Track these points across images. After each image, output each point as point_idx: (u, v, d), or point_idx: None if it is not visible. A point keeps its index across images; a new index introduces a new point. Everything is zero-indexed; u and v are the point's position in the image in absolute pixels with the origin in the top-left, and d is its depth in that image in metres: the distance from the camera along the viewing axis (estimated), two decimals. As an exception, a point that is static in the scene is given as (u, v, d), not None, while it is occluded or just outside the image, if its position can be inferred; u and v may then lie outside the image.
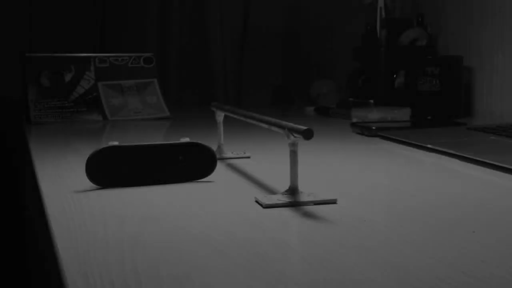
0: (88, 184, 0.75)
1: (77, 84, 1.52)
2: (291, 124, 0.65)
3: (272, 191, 0.71)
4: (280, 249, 0.51)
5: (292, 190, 0.66)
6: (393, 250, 0.50)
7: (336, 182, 0.79)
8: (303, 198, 0.66)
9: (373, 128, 1.16)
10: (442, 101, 1.44)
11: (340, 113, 1.48)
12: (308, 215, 0.61)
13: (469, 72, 1.52)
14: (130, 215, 0.62)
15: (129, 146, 0.75)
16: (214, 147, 0.94)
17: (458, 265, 0.46)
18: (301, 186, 0.66)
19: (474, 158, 0.88)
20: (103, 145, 0.74)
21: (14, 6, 1.92)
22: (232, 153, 0.94)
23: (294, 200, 0.65)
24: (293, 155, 0.66)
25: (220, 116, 0.91)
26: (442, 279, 0.43)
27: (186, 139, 0.78)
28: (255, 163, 0.90)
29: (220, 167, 0.88)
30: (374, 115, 1.36)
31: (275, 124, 0.69)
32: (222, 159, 0.92)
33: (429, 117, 1.42)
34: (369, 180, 0.80)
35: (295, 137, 0.64)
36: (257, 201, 0.66)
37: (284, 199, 0.65)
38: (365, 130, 1.17)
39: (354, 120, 1.36)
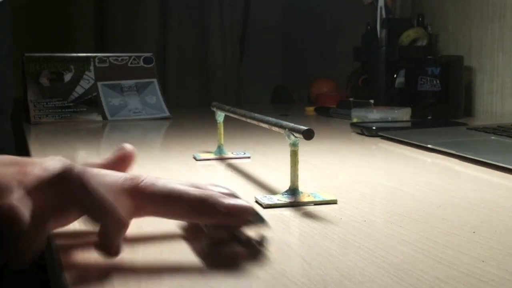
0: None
1: (76, 84, 1.52)
2: (291, 124, 0.65)
3: (272, 191, 0.71)
4: (280, 250, 0.51)
5: (292, 190, 0.66)
6: (394, 251, 0.50)
7: (336, 183, 0.79)
8: (303, 198, 0.65)
9: (373, 128, 1.16)
10: (443, 101, 1.44)
11: (340, 113, 1.48)
12: (308, 215, 0.61)
13: (469, 72, 1.52)
14: (129, 215, 0.62)
15: None
16: (214, 147, 0.94)
17: (458, 265, 0.46)
18: (301, 186, 0.66)
19: (474, 158, 0.87)
20: None
21: (13, 6, 1.92)
22: (232, 153, 0.94)
23: (294, 200, 0.65)
24: (294, 155, 0.65)
25: (220, 116, 0.91)
26: (442, 279, 0.43)
27: None
28: (255, 163, 0.90)
29: (220, 167, 0.88)
30: (374, 115, 1.36)
31: (275, 125, 0.69)
32: (222, 159, 0.92)
33: (429, 117, 1.42)
34: (369, 180, 0.80)
35: (295, 137, 0.64)
36: (257, 201, 0.66)
37: (284, 199, 0.65)
38: (365, 130, 1.17)
39: (354, 120, 1.36)
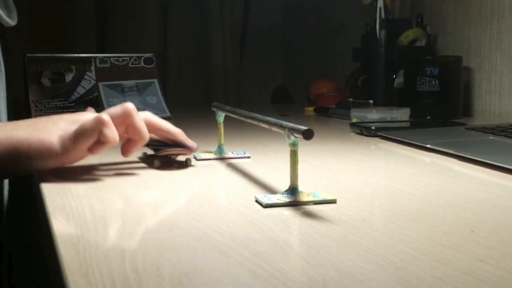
0: (88, 184, 0.75)
1: (78, 84, 1.52)
2: (291, 124, 0.66)
3: (272, 191, 0.71)
4: (280, 249, 0.51)
5: (292, 190, 0.66)
6: (393, 250, 0.50)
7: (336, 182, 0.79)
8: (303, 198, 0.66)
9: (373, 128, 1.16)
10: (442, 101, 1.45)
11: (339, 113, 1.49)
12: (308, 215, 0.61)
13: (468, 72, 1.53)
14: (130, 214, 0.62)
15: None
16: (214, 147, 0.94)
17: (458, 265, 0.47)
18: (300, 186, 0.67)
19: (474, 158, 0.88)
20: None
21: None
22: (232, 153, 0.95)
23: (294, 200, 0.65)
24: (293, 155, 0.66)
25: (220, 116, 0.91)
26: (442, 279, 0.44)
27: None
28: (255, 163, 0.91)
29: (220, 167, 0.88)
30: (373, 115, 1.36)
31: (275, 124, 0.69)
32: (222, 159, 0.93)
33: (428, 117, 1.42)
34: (369, 180, 0.80)
35: (295, 137, 0.64)
36: (257, 201, 0.66)
37: (284, 199, 0.65)
38: (364, 130, 1.18)
39: (354, 120, 1.37)
